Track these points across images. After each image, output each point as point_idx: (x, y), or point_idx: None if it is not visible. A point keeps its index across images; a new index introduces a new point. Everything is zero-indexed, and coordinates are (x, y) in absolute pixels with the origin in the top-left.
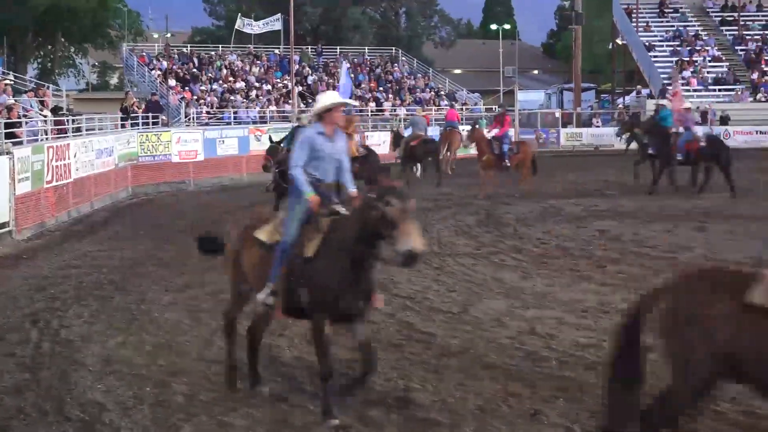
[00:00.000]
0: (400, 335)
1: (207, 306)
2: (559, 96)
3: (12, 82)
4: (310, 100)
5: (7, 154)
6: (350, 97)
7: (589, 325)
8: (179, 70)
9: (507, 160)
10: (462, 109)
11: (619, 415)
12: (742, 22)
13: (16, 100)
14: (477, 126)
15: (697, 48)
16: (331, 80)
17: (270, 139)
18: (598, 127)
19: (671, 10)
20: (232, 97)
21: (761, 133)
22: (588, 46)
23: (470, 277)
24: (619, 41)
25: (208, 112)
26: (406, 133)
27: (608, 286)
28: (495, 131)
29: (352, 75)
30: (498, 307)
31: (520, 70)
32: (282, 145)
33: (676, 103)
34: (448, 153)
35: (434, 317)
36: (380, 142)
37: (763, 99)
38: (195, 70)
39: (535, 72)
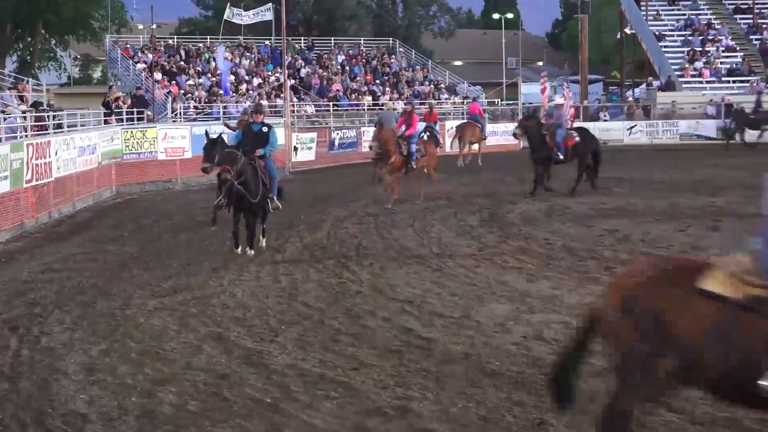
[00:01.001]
0: (399, 341)
1: (195, 311)
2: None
3: None
4: (303, 94)
5: None
6: (227, 84)
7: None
8: (165, 63)
9: (413, 163)
10: (462, 102)
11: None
12: (757, 10)
13: None
14: (383, 123)
15: (710, 37)
16: (325, 73)
17: (218, 139)
18: (606, 121)
19: None
20: (221, 91)
21: None
22: (595, 36)
23: (472, 280)
24: (627, 31)
25: (195, 107)
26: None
27: None
28: (402, 129)
29: (230, 57)
30: (502, 311)
31: (524, 61)
32: (223, 144)
33: (544, 100)
34: (462, 146)
35: (434, 322)
36: None
37: None
38: (182, 62)
39: (540, 63)
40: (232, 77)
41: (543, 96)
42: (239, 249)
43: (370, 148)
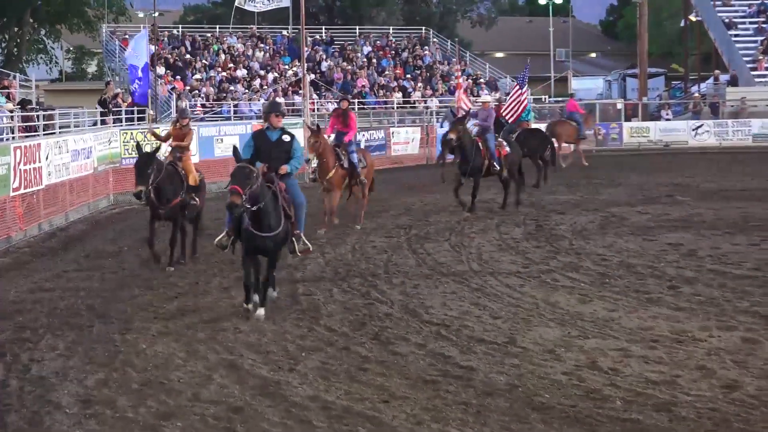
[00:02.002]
0: (434, 370)
1: (204, 335)
2: (622, 83)
3: None
4: (324, 91)
5: None
6: (144, 70)
7: (659, 357)
8: (169, 56)
9: (361, 176)
10: (505, 99)
11: None
12: None
13: None
14: (319, 129)
15: None
16: (349, 66)
17: (153, 154)
18: (668, 120)
19: None
20: (231, 88)
21: None
22: (656, 24)
23: (517, 301)
24: (692, 18)
25: (203, 106)
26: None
27: (682, 311)
28: (332, 136)
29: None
30: (551, 336)
31: (575, 53)
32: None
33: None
34: (558, 145)
35: (475, 348)
36: (408, 140)
37: None
38: (188, 55)
39: (593, 55)
40: (226, 73)
41: (458, 93)
42: (251, 306)
43: (308, 161)
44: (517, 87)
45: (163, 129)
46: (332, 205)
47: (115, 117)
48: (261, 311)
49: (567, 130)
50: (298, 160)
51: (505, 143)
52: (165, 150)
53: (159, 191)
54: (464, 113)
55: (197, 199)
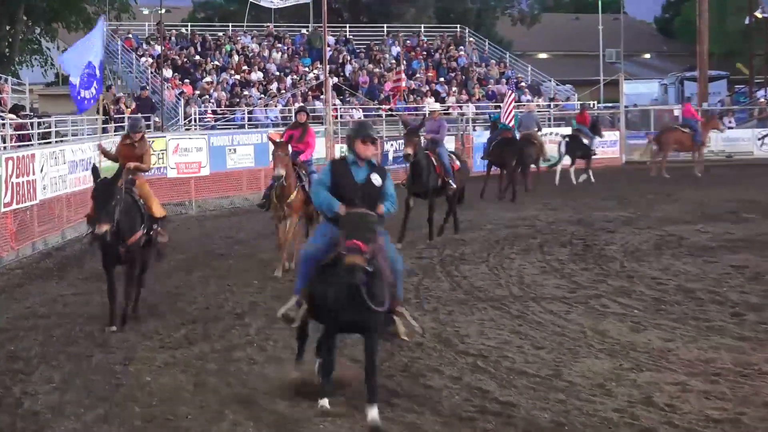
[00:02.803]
0: (470, 406)
1: (215, 367)
2: (679, 87)
3: None
4: (349, 96)
5: None
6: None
7: (722, 392)
8: (177, 57)
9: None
10: (549, 105)
11: None
12: None
13: None
14: (287, 142)
15: None
16: (376, 69)
17: (113, 182)
18: (731, 128)
19: None
20: (245, 92)
21: None
22: (718, 22)
23: (562, 329)
24: (758, 14)
25: (214, 112)
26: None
27: (747, 341)
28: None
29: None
30: (600, 368)
31: (627, 53)
32: None
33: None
34: (662, 156)
35: (515, 382)
36: None
37: None
38: (197, 56)
39: (647, 56)
40: (239, 76)
41: (397, 89)
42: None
43: (275, 179)
44: (512, 92)
45: (109, 143)
46: (287, 238)
47: (117, 125)
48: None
49: (678, 138)
50: (392, 202)
51: (455, 157)
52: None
53: (117, 228)
54: (415, 124)
55: (164, 233)
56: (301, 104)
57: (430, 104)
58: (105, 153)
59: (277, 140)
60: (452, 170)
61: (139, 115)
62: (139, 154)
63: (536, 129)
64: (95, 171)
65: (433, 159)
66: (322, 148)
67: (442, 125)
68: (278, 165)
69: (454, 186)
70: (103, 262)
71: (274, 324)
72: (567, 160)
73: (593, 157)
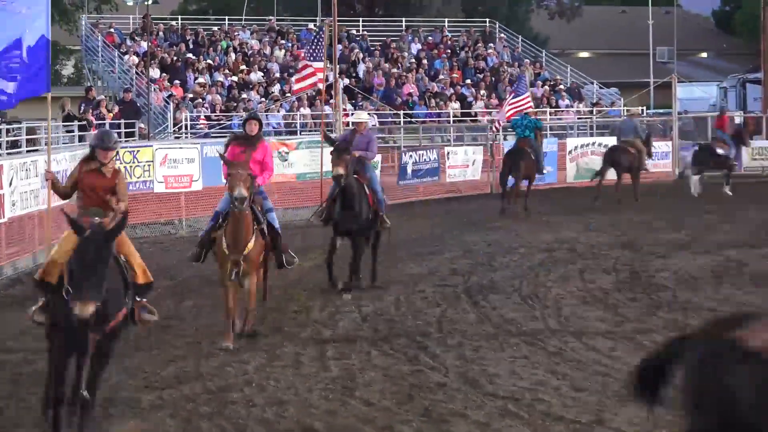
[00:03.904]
0: None
1: (207, 409)
2: (741, 91)
3: None
4: (362, 100)
5: None
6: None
7: None
8: (165, 55)
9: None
10: (591, 111)
11: None
12: None
13: None
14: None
15: None
16: (393, 69)
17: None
18: None
19: None
20: (244, 95)
21: None
22: None
23: (606, 369)
24: None
25: (208, 118)
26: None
27: None
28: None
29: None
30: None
31: (681, 52)
32: None
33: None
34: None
35: (552, 429)
36: (468, 162)
37: None
38: (189, 54)
39: (704, 55)
40: (237, 77)
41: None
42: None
43: (220, 213)
44: (514, 94)
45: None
46: (249, 301)
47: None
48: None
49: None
50: None
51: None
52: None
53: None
54: (344, 140)
55: (152, 309)
56: (252, 111)
57: (357, 114)
58: (54, 185)
59: (224, 156)
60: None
61: (306, 110)
62: (109, 185)
63: (636, 136)
64: (76, 224)
65: (365, 186)
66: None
67: (372, 140)
68: (237, 185)
69: (389, 224)
70: (62, 350)
71: (274, 361)
72: (612, 174)
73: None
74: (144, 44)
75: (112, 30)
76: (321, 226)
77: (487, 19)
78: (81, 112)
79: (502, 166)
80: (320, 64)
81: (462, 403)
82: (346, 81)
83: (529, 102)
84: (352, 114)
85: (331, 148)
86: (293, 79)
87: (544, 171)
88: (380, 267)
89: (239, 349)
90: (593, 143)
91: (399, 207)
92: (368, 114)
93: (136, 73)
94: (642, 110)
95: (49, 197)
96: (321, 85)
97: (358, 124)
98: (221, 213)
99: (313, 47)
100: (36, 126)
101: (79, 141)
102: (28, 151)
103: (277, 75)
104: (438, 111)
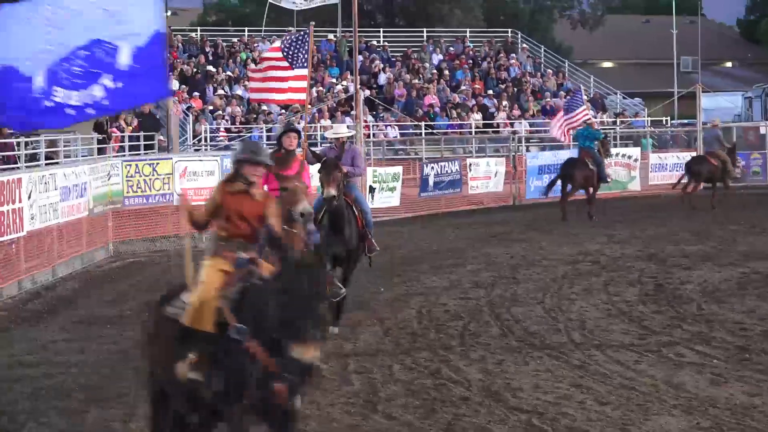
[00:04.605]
0: None
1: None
2: (765, 101)
3: None
4: (383, 111)
5: None
6: None
7: None
8: (185, 67)
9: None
10: (616, 121)
11: None
12: None
13: None
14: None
15: None
16: (415, 80)
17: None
18: None
19: None
20: (264, 107)
21: None
22: None
23: (631, 382)
24: None
25: (228, 130)
26: None
27: None
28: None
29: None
30: (675, 427)
31: (705, 62)
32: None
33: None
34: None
35: None
36: (490, 174)
37: None
38: (209, 66)
39: (728, 64)
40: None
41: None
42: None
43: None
44: (564, 110)
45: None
46: None
47: (115, 145)
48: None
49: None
50: None
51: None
52: None
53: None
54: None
55: None
56: (288, 122)
57: (335, 127)
58: (191, 214)
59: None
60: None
61: (327, 121)
62: (259, 211)
63: (720, 146)
64: (281, 246)
65: (353, 207)
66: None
67: (357, 155)
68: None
69: (378, 249)
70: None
71: None
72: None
73: None
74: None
75: None
76: None
77: (509, 29)
78: (96, 125)
79: (557, 174)
80: (303, 72)
81: (485, 417)
82: (367, 92)
83: (586, 114)
84: (331, 128)
85: (318, 165)
86: (269, 86)
87: (608, 180)
88: (396, 280)
89: None
90: (617, 154)
91: (421, 219)
92: (347, 127)
93: None
94: (666, 120)
95: (187, 224)
96: (303, 97)
97: (338, 138)
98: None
99: (295, 50)
100: (56, 139)
101: (99, 154)
102: (46, 164)
103: None
104: (460, 122)
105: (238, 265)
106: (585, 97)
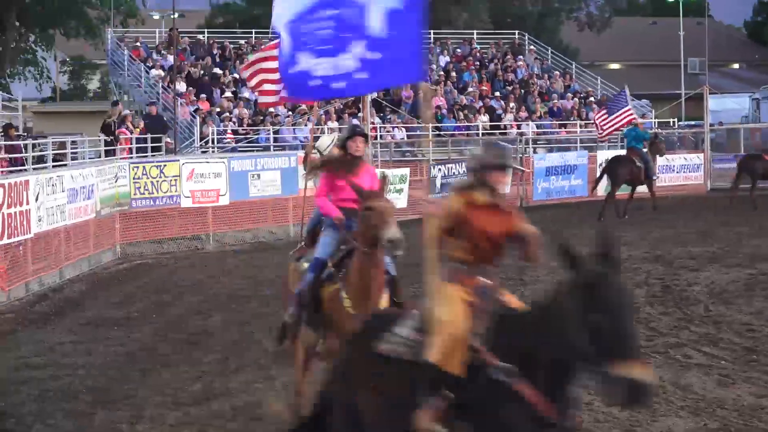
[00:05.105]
0: None
1: (236, 426)
2: None
3: None
4: (390, 113)
5: None
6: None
7: None
8: (192, 69)
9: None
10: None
11: None
12: None
13: None
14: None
15: None
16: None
17: None
18: None
19: None
20: (271, 109)
21: None
22: None
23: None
24: None
25: (235, 132)
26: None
27: None
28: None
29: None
30: (682, 428)
31: (713, 63)
32: None
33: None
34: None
35: None
36: None
37: None
38: (216, 68)
39: (735, 66)
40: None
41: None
42: None
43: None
44: (606, 110)
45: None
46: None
47: (123, 147)
48: None
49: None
50: None
51: None
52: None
53: None
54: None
55: None
56: (355, 123)
57: (322, 140)
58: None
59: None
60: None
61: (334, 123)
62: (508, 228)
63: None
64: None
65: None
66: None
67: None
68: (388, 222)
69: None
70: None
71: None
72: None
73: None
74: (170, 58)
75: (138, 44)
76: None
77: (516, 32)
78: (104, 126)
79: (600, 171)
80: None
81: None
82: (375, 94)
83: (631, 115)
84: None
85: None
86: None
87: (654, 178)
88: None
89: (267, 365)
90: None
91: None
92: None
93: (163, 87)
94: (673, 122)
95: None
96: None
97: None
98: (324, 260)
99: (615, 105)
100: (63, 141)
101: (106, 156)
102: (54, 166)
103: None
104: (467, 124)
105: (481, 295)
106: (630, 98)
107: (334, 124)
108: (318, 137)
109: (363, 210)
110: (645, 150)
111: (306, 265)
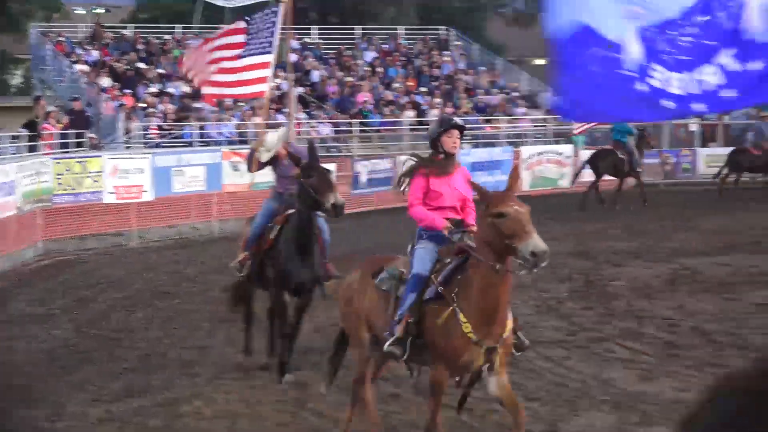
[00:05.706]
0: None
1: (158, 423)
2: None
3: None
4: (315, 108)
5: None
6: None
7: None
8: (116, 64)
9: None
10: (545, 119)
11: None
12: None
13: None
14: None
15: None
16: (348, 77)
17: None
18: None
19: None
20: (196, 105)
21: None
22: None
23: (561, 378)
24: None
25: (159, 128)
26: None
27: None
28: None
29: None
30: (604, 423)
31: None
32: None
33: None
34: None
35: None
36: None
37: None
38: (140, 63)
39: None
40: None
41: None
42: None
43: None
44: None
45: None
46: (518, 413)
47: (45, 142)
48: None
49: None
50: None
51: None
52: None
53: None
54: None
55: None
56: (447, 116)
57: (268, 139)
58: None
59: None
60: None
61: (259, 118)
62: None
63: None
64: None
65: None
66: None
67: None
68: (532, 232)
69: (336, 273)
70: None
71: (225, 373)
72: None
73: None
74: (95, 53)
75: (62, 38)
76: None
77: (443, 27)
78: (27, 123)
79: (583, 163)
80: (268, 58)
81: (415, 412)
82: (300, 89)
83: None
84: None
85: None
86: (232, 79)
87: (638, 169)
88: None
89: (190, 362)
90: (549, 151)
91: (353, 217)
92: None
93: (86, 82)
94: None
95: None
96: (266, 88)
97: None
98: (427, 276)
99: (262, 34)
100: None
101: (29, 151)
102: None
103: None
104: (393, 120)
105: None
106: None
107: (259, 120)
108: (257, 133)
109: (493, 217)
110: (631, 143)
111: (385, 282)
